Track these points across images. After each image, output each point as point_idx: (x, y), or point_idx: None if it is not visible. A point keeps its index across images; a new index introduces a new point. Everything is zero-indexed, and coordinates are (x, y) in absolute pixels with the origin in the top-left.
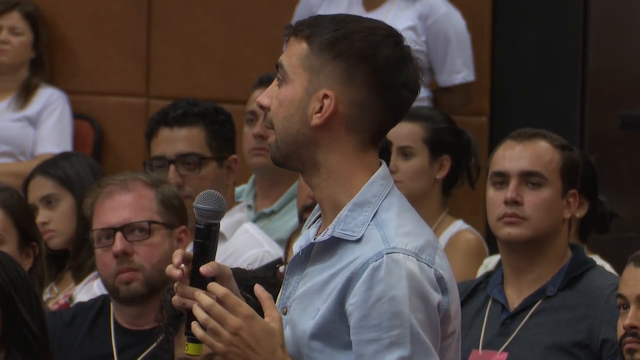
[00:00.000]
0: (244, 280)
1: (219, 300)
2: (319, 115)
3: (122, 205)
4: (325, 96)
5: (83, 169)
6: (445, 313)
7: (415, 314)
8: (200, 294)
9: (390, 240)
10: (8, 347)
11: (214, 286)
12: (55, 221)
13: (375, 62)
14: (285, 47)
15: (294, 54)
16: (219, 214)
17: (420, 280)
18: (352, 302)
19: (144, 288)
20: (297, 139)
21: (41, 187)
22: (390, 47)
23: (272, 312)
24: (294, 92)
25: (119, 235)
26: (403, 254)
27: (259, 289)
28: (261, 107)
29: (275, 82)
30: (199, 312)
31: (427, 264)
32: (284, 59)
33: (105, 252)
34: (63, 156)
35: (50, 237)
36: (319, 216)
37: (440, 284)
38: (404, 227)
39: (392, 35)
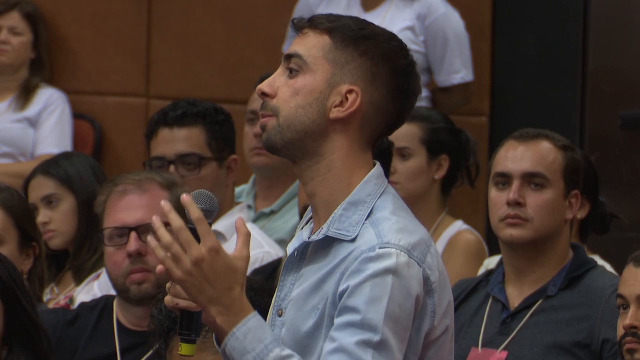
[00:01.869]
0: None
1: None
2: (340, 109)
3: (137, 205)
4: (350, 91)
5: (84, 169)
6: (430, 313)
7: (392, 306)
8: (174, 216)
9: (384, 235)
10: (10, 344)
11: (191, 210)
12: (55, 221)
13: (396, 66)
14: (290, 41)
15: (315, 45)
16: (211, 213)
17: (407, 276)
18: (342, 289)
19: (155, 289)
20: (309, 128)
21: (42, 187)
22: (404, 54)
23: (243, 250)
24: (314, 82)
25: (133, 235)
26: (395, 249)
27: (240, 222)
28: (263, 94)
29: (280, 71)
30: (164, 234)
31: (417, 262)
32: (301, 49)
33: (118, 251)
34: (64, 156)
35: (51, 237)
36: (311, 217)
37: (426, 284)
38: (398, 224)
39: (403, 44)
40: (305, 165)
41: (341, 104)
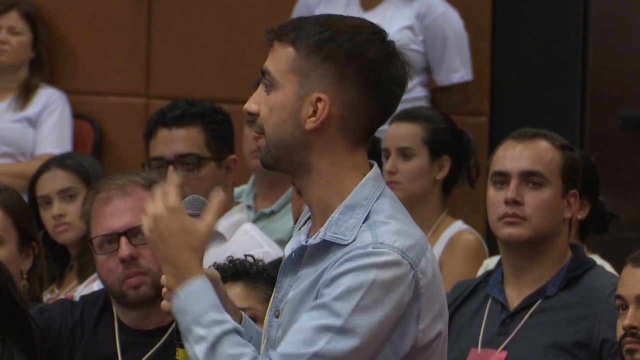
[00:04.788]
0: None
1: None
2: (313, 119)
3: (123, 209)
4: (319, 100)
5: (97, 166)
6: (415, 317)
7: (367, 300)
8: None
9: (380, 236)
10: (3, 338)
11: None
12: (72, 214)
13: (364, 61)
14: (270, 51)
15: (281, 59)
16: None
17: (393, 276)
18: (325, 278)
19: (152, 291)
20: (289, 143)
21: (59, 179)
22: (376, 44)
23: (210, 217)
24: (284, 97)
25: (124, 240)
26: (389, 249)
27: (216, 194)
28: (249, 113)
29: (261, 87)
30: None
31: (410, 265)
32: (269, 65)
33: (110, 258)
34: (75, 153)
35: (65, 230)
36: (309, 218)
37: (416, 288)
38: (395, 227)
39: (376, 32)
40: (300, 177)
41: (314, 113)
